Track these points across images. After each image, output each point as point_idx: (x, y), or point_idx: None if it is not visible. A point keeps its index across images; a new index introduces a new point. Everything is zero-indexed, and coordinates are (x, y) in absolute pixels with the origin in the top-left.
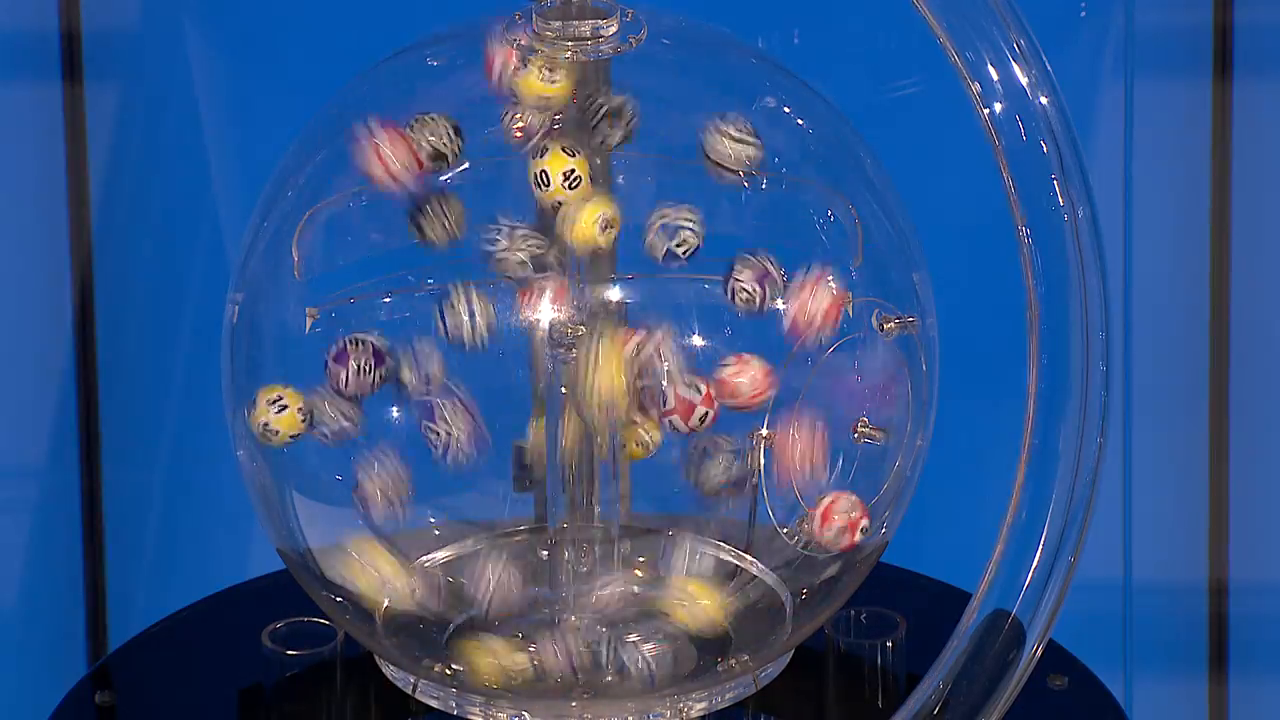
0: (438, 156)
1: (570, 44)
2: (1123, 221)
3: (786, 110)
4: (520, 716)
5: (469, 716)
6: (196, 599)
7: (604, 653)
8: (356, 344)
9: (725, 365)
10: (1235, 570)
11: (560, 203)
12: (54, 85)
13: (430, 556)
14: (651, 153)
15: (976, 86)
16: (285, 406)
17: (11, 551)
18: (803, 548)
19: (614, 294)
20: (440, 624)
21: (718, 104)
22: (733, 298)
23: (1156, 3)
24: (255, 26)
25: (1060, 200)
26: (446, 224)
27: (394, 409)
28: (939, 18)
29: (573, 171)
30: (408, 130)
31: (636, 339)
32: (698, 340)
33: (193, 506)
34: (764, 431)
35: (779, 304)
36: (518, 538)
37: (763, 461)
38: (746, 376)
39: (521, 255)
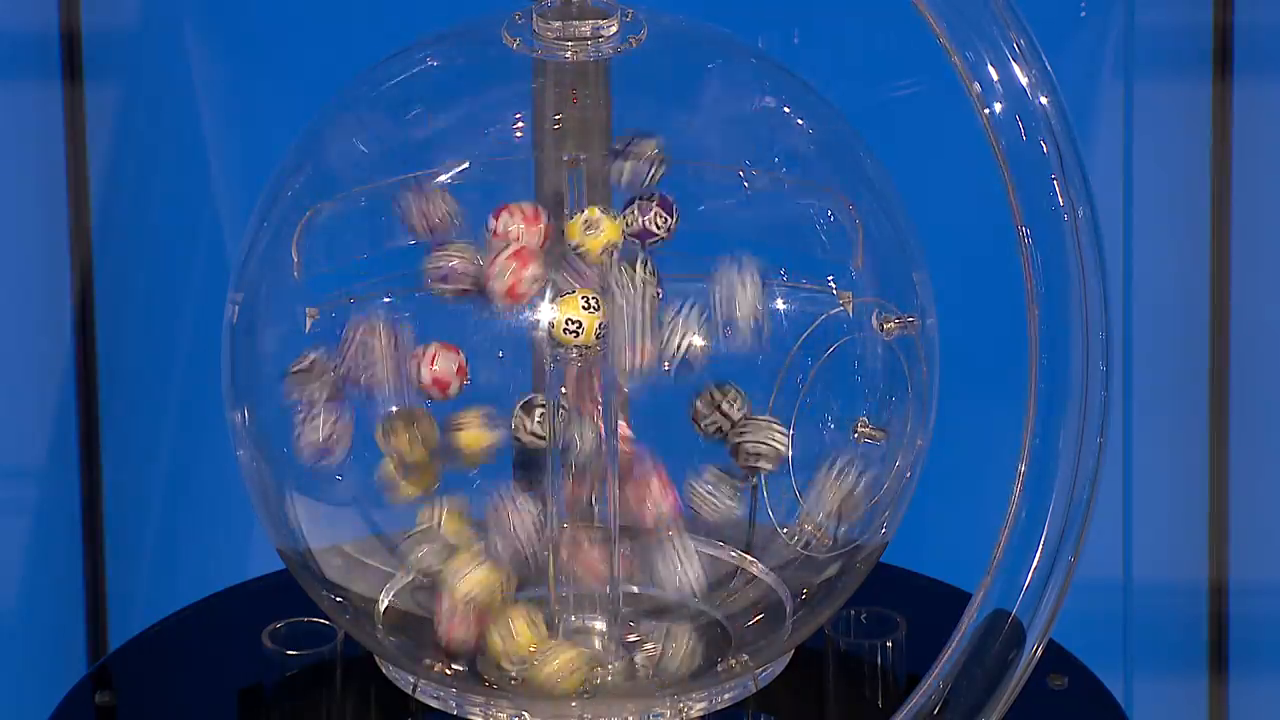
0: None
1: (570, 44)
2: (1123, 221)
3: (786, 110)
4: (520, 716)
5: (469, 716)
6: (196, 599)
7: (605, 651)
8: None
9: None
10: (1235, 570)
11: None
12: (54, 85)
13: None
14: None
15: (976, 86)
16: None
17: (11, 551)
18: (803, 548)
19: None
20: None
21: (718, 104)
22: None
23: (1156, 3)
24: (255, 26)
25: (1060, 200)
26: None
27: None
28: (939, 18)
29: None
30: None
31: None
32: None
33: (193, 506)
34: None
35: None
36: None
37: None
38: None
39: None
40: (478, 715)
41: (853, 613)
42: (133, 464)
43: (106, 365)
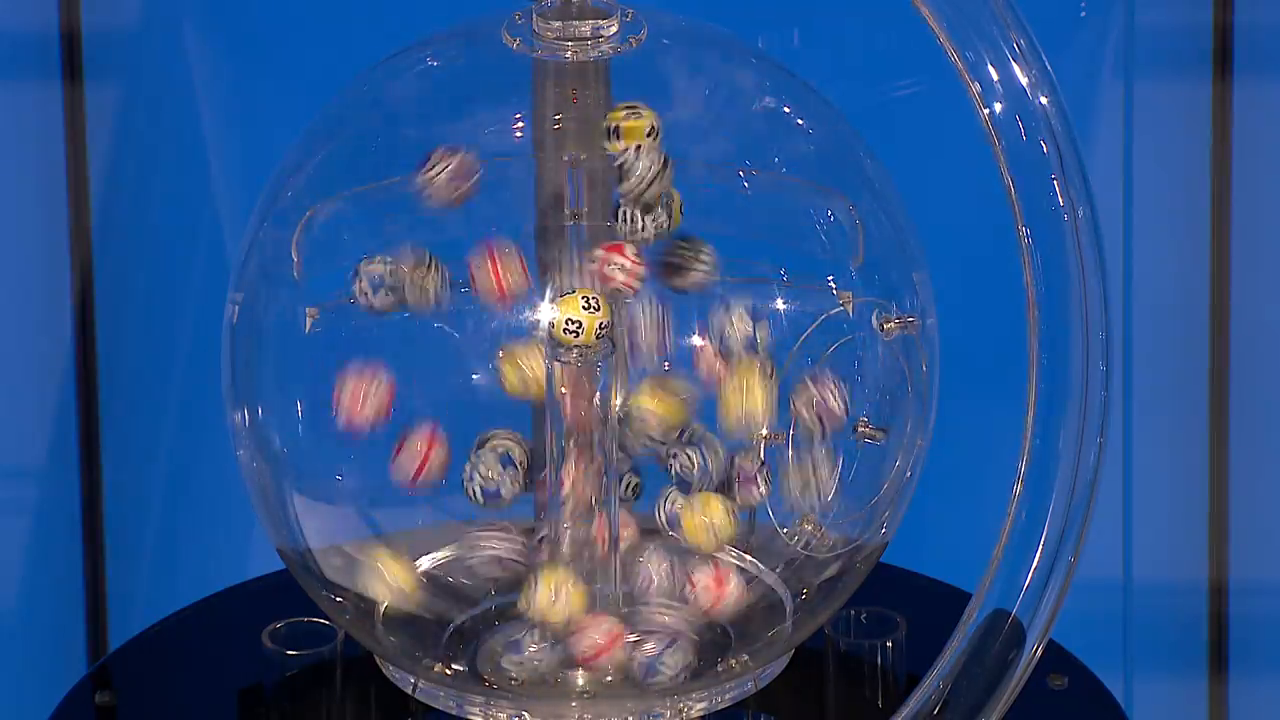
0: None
1: (570, 44)
2: (1123, 221)
3: (786, 110)
4: (520, 716)
5: (469, 716)
6: (196, 599)
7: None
8: None
9: None
10: (1235, 570)
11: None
12: (54, 85)
13: (429, 556)
14: None
15: (976, 86)
16: None
17: (11, 551)
18: (803, 548)
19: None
20: (441, 623)
21: (718, 104)
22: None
23: (1156, 3)
24: (255, 26)
25: (1060, 200)
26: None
27: None
28: (939, 18)
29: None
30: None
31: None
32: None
33: (193, 506)
34: (763, 432)
35: None
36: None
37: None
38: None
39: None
40: (478, 715)
41: (853, 613)
42: (133, 464)
43: (106, 365)
